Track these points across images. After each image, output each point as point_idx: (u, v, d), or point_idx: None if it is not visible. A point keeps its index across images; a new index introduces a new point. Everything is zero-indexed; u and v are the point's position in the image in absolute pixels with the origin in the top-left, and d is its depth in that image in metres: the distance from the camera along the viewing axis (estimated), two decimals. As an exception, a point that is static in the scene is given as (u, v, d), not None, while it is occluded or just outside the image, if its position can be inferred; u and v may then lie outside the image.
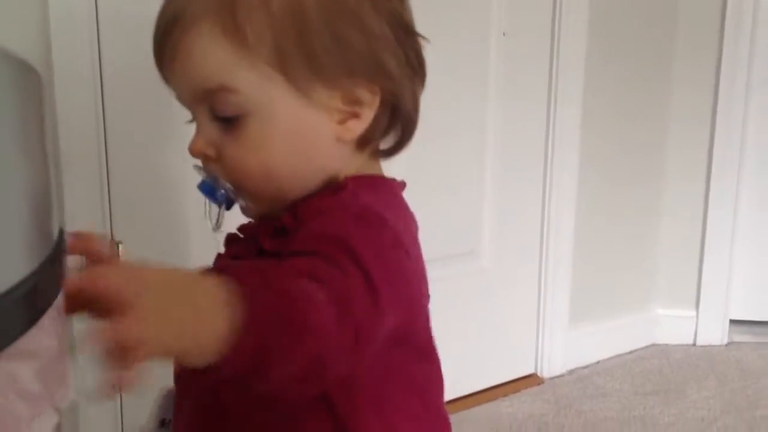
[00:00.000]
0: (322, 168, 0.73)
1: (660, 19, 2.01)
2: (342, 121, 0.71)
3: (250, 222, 0.81)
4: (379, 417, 0.71)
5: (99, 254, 0.58)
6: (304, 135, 0.71)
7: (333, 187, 0.72)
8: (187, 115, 0.76)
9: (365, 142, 0.74)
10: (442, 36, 1.67)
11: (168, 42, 0.69)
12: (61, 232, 0.46)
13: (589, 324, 2.04)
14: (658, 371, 2.02)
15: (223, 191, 0.73)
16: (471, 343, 1.85)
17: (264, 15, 0.67)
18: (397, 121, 0.75)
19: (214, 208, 0.75)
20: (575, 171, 1.92)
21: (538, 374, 1.98)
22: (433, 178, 1.70)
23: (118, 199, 1.30)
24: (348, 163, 0.74)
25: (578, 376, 1.99)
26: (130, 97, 1.26)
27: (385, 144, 0.77)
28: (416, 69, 0.74)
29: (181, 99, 0.73)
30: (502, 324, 1.91)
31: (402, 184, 0.81)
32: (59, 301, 0.46)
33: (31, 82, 0.45)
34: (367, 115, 0.71)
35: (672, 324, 2.14)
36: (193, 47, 0.68)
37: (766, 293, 2.19)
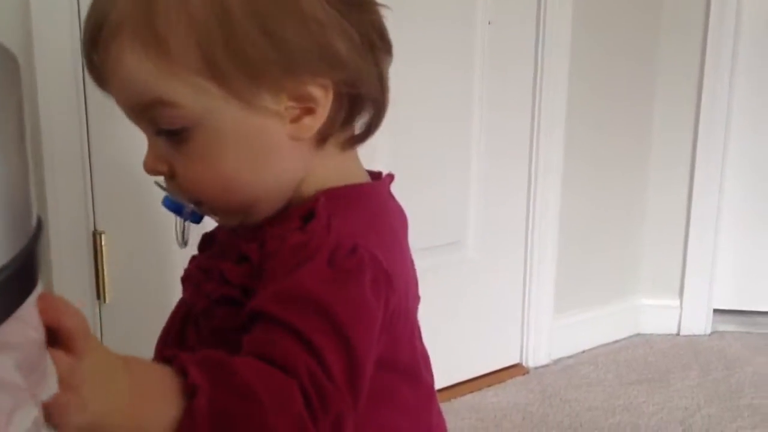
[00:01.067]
0: (285, 171, 0.67)
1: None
2: (296, 119, 0.65)
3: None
4: None
5: (68, 332, 0.48)
6: (255, 141, 0.64)
7: (302, 210, 0.66)
8: None
9: (325, 137, 0.67)
10: (427, 24, 1.67)
11: (94, 54, 0.64)
12: (39, 221, 0.45)
13: (574, 314, 2.04)
14: (643, 360, 2.03)
15: (180, 205, 0.69)
16: (456, 333, 1.85)
17: (184, 21, 0.61)
18: (361, 107, 0.69)
19: (185, 223, 0.71)
20: (560, 161, 1.91)
21: (523, 364, 1.98)
22: (417, 169, 1.70)
23: (100, 188, 1.29)
24: (315, 162, 0.68)
25: (563, 365, 2.00)
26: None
27: (356, 129, 0.71)
28: (377, 44, 0.68)
29: (123, 111, 0.67)
30: (487, 314, 1.91)
31: (388, 179, 0.76)
32: (38, 292, 0.45)
33: (8, 67, 0.44)
34: (322, 110, 0.65)
35: (656, 314, 2.15)
36: (118, 63, 0.63)
37: (750, 283, 2.20)
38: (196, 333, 0.70)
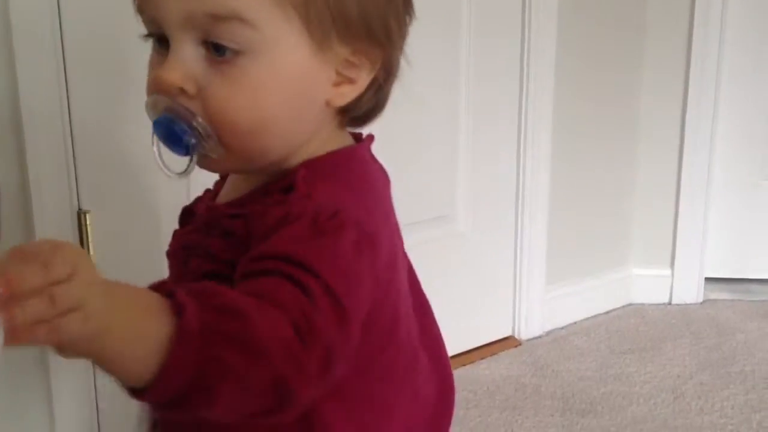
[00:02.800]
0: (305, 130, 0.67)
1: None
2: (337, 84, 0.66)
3: (205, 195, 0.78)
4: (346, 409, 0.68)
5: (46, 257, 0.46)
6: (304, 90, 0.64)
7: (284, 184, 0.65)
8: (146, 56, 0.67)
9: (345, 112, 0.69)
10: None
11: None
12: None
13: (566, 285, 2.04)
14: (635, 330, 2.03)
15: (188, 132, 0.62)
16: (448, 307, 1.83)
17: None
18: (385, 89, 0.71)
19: (167, 151, 0.65)
20: (549, 132, 1.90)
21: (516, 336, 1.98)
22: (406, 144, 1.68)
23: (84, 166, 1.27)
24: (319, 133, 0.69)
25: (555, 337, 2.00)
26: (94, 60, 1.23)
27: (377, 100, 0.72)
28: (407, 32, 0.71)
29: (165, 19, 0.61)
30: (478, 288, 1.90)
31: (368, 140, 0.76)
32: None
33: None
34: (363, 82, 0.67)
35: (648, 283, 2.15)
36: None
37: (741, 251, 2.21)
38: None
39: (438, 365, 0.79)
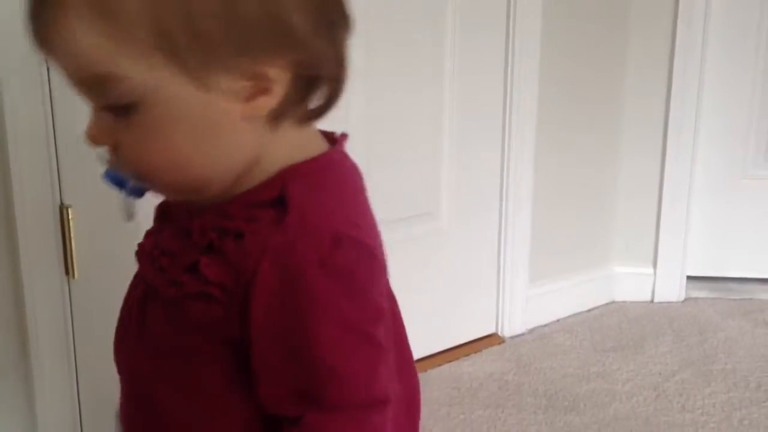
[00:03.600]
0: (236, 151, 0.64)
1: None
2: (250, 99, 0.62)
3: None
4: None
5: None
6: (206, 120, 0.61)
7: (271, 193, 0.63)
8: None
9: (279, 117, 0.64)
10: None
11: (38, 24, 0.61)
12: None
13: (549, 283, 2.04)
14: (617, 328, 2.04)
15: (132, 182, 0.66)
16: (431, 304, 1.84)
17: None
18: (318, 86, 0.65)
19: (128, 198, 0.68)
20: (533, 130, 1.90)
21: (499, 333, 1.98)
22: (390, 141, 1.68)
23: (65, 160, 1.26)
24: (270, 140, 0.65)
25: (538, 334, 2.00)
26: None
27: (321, 99, 0.67)
28: (336, 22, 0.65)
29: (68, 81, 0.63)
30: (461, 285, 1.91)
31: (342, 140, 0.72)
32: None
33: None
34: (278, 90, 0.62)
35: (630, 281, 2.16)
36: (64, 34, 0.59)
37: (723, 249, 2.22)
38: (161, 315, 0.67)
39: (404, 367, 0.76)
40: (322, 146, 0.70)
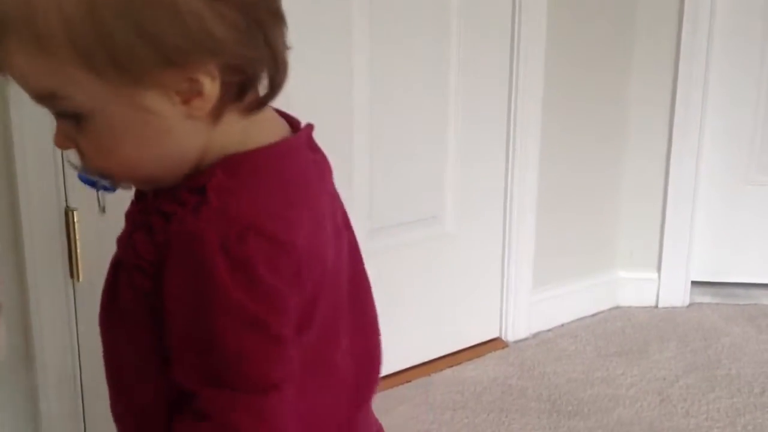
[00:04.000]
0: (184, 147, 0.67)
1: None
2: (186, 101, 0.65)
3: None
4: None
5: None
6: (147, 126, 0.65)
7: (197, 182, 0.66)
8: None
9: (219, 113, 0.66)
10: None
11: None
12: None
13: (553, 287, 2.04)
14: (621, 333, 2.04)
15: (101, 180, 0.71)
16: (435, 308, 1.84)
17: (61, 20, 0.61)
18: (254, 83, 0.68)
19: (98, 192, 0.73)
20: (538, 134, 1.90)
21: (503, 338, 1.98)
22: (395, 145, 1.68)
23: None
24: (215, 133, 0.67)
25: (542, 339, 2.00)
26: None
27: (261, 91, 0.69)
28: (266, 21, 0.66)
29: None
30: (465, 289, 1.90)
31: (305, 131, 0.74)
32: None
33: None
34: (211, 92, 0.64)
35: (634, 286, 2.16)
36: (10, 59, 0.64)
37: (727, 255, 2.22)
38: (125, 278, 0.71)
39: (366, 327, 0.81)
40: (273, 136, 0.71)
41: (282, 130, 0.73)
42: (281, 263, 0.65)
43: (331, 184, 0.78)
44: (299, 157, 0.73)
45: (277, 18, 0.68)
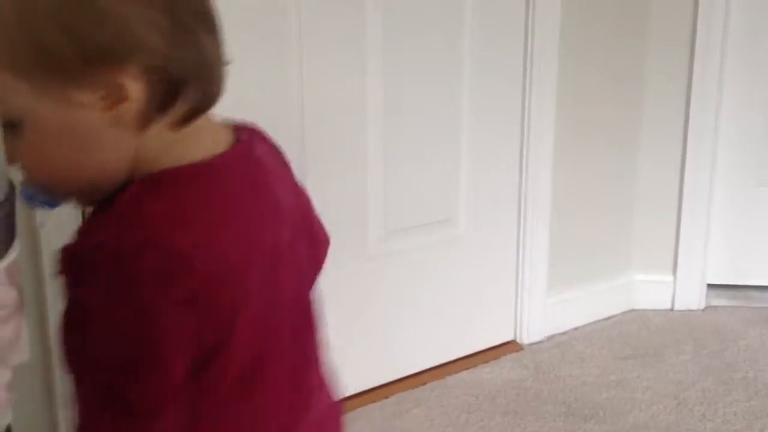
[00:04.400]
0: (112, 154, 0.67)
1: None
2: (111, 107, 0.65)
3: None
4: None
5: None
6: (74, 132, 0.66)
7: (112, 197, 0.67)
8: None
9: (146, 120, 0.66)
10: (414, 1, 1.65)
11: None
12: (12, 188, 0.44)
13: (568, 290, 2.04)
14: (636, 336, 2.03)
15: (39, 196, 0.71)
16: (450, 311, 1.84)
17: None
18: (181, 89, 0.66)
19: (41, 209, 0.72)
20: (552, 137, 1.90)
21: (517, 341, 1.98)
22: (408, 148, 1.68)
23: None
24: (143, 142, 0.67)
25: (557, 342, 1.99)
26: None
27: (191, 102, 0.68)
28: (191, 25, 0.66)
29: None
30: (480, 292, 1.90)
31: (245, 141, 0.72)
32: (15, 258, 0.44)
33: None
34: (136, 97, 0.64)
35: (650, 289, 2.15)
36: None
37: (743, 257, 2.20)
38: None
39: (303, 369, 0.78)
40: (204, 152, 0.70)
41: (218, 144, 0.71)
42: (174, 284, 0.64)
43: (285, 186, 0.75)
44: (230, 174, 0.70)
45: (207, 23, 0.68)
